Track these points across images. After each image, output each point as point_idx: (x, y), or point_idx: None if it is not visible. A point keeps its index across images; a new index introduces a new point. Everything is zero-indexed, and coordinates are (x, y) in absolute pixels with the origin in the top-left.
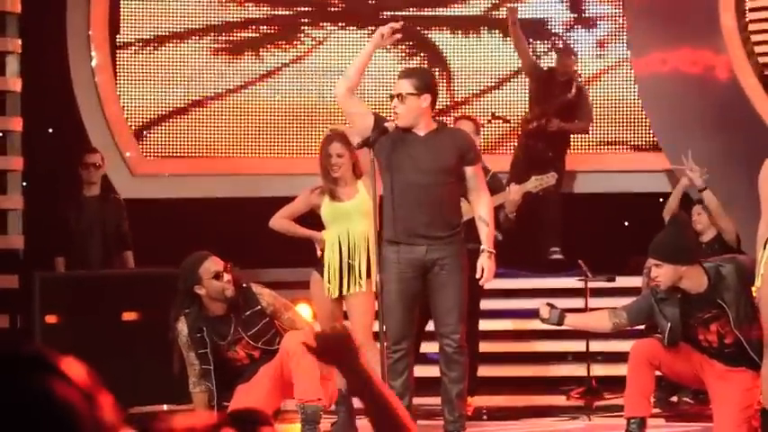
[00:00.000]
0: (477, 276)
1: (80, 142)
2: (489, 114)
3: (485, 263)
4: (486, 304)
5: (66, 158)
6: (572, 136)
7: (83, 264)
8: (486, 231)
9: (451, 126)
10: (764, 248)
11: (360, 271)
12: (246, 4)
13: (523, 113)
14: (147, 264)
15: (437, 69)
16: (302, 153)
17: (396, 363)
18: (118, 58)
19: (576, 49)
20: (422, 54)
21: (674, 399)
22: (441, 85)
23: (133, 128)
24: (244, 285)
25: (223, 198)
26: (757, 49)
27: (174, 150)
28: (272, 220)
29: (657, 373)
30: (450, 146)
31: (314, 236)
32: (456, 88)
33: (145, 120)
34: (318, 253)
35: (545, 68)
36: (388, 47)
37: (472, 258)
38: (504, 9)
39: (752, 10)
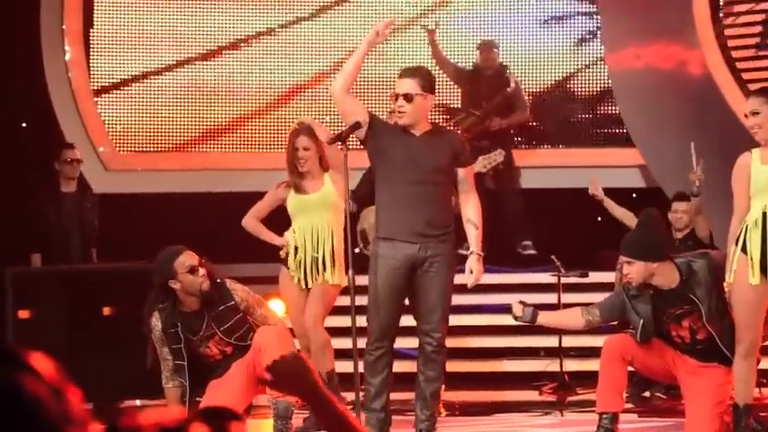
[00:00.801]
0: (466, 278)
1: (53, 137)
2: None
3: (473, 265)
4: (459, 299)
5: (39, 153)
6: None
7: (61, 259)
8: (474, 234)
9: (444, 126)
10: (736, 244)
11: (324, 263)
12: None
13: (460, 118)
14: (120, 258)
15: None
16: (274, 148)
17: (377, 360)
18: (92, 53)
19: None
20: None
21: (647, 394)
22: None
23: (107, 123)
24: (218, 280)
25: (196, 193)
26: (730, 43)
27: (148, 145)
28: (244, 220)
29: (630, 368)
30: (445, 146)
31: (276, 241)
32: None
33: (119, 116)
34: (282, 255)
35: (468, 68)
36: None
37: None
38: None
39: (725, 4)
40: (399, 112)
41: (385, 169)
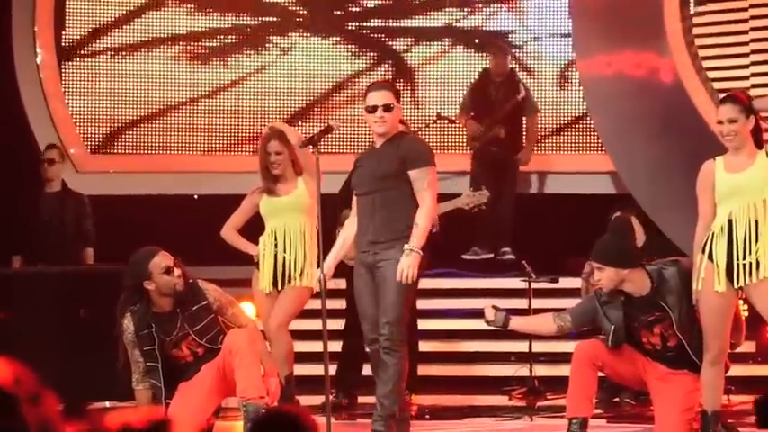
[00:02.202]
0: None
1: (24, 139)
2: (436, 115)
3: (402, 260)
4: (429, 304)
5: (9, 155)
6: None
7: (41, 260)
8: (414, 231)
9: (407, 133)
10: (703, 251)
11: (295, 266)
12: (208, 11)
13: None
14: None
15: (401, 80)
16: (246, 150)
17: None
18: (63, 56)
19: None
20: (386, 63)
21: (617, 399)
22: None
23: (78, 125)
24: (190, 280)
25: (167, 195)
26: (701, 52)
27: (119, 147)
28: (222, 231)
29: (600, 374)
30: (394, 152)
31: (254, 250)
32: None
33: (90, 118)
34: (255, 260)
35: (477, 76)
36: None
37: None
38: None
39: (696, 14)
40: (382, 122)
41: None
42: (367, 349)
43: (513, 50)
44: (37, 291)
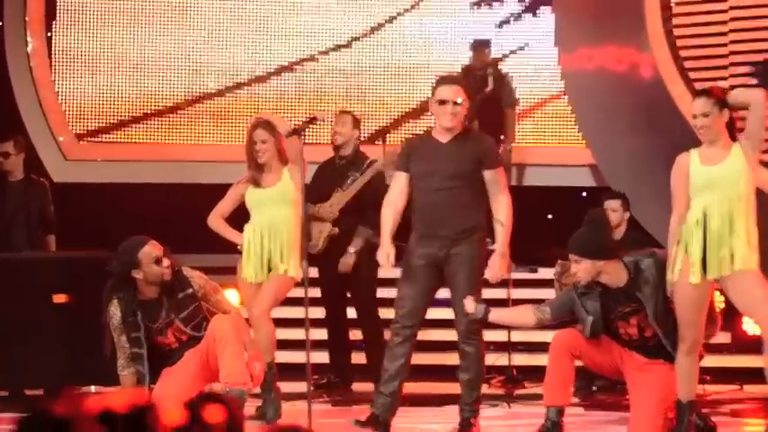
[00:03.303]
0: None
1: (15, 126)
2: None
3: (493, 261)
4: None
5: None
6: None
7: (6, 248)
8: (499, 231)
9: (475, 131)
10: (678, 244)
11: (281, 256)
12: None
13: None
14: (80, 247)
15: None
16: (233, 140)
17: (396, 346)
18: (53, 44)
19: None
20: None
21: (594, 388)
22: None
23: (67, 113)
24: (176, 268)
25: (154, 183)
26: (681, 46)
27: (107, 135)
28: (209, 219)
29: (577, 363)
30: (469, 151)
31: (240, 240)
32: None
33: (79, 105)
34: (240, 249)
35: (459, 71)
36: None
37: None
38: None
39: (677, 11)
40: (452, 116)
41: (413, 177)
42: (396, 339)
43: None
44: (8, 277)
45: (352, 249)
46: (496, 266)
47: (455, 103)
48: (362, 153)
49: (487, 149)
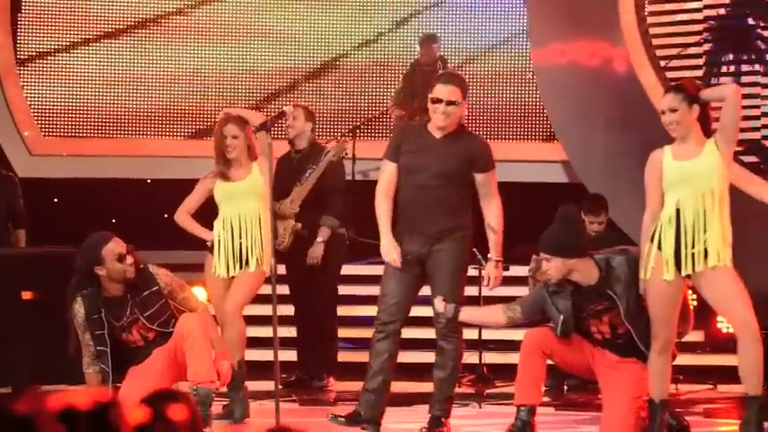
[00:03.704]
0: (485, 284)
1: None
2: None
3: (490, 270)
4: (375, 291)
5: None
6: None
7: None
8: (492, 239)
9: (470, 131)
10: (651, 240)
11: (250, 251)
12: None
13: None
14: (44, 243)
15: None
16: (201, 135)
17: (379, 342)
18: (18, 38)
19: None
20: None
21: (566, 387)
22: None
23: (33, 108)
24: (141, 266)
25: (120, 179)
26: (655, 42)
27: (73, 130)
28: (176, 215)
29: (549, 362)
30: (461, 151)
31: (207, 236)
32: None
33: (45, 101)
34: (209, 245)
35: (409, 67)
36: None
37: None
38: None
39: (650, 2)
40: (445, 116)
41: (400, 169)
42: (379, 335)
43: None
44: None
45: (319, 239)
46: (492, 274)
47: (449, 103)
48: (319, 144)
49: (480, 151)
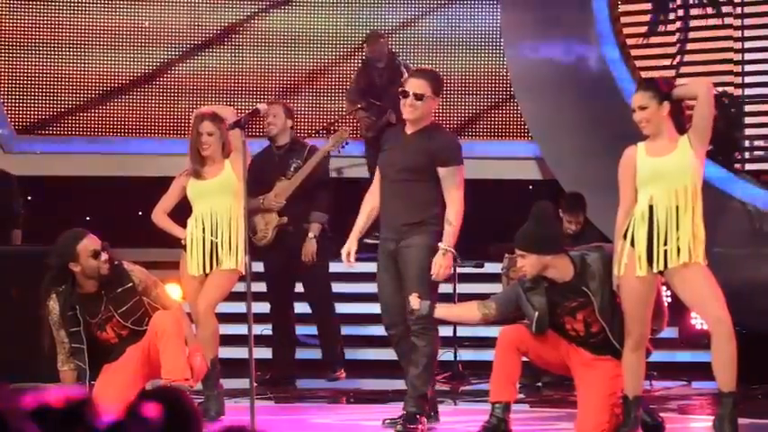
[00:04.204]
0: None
1: None
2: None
3: (437, 259)
4: (357, 288)
5: None
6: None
7: None
8: (446, 230)
9: (440, 126)
10: (624, 237)
11: (226, 248)
12: None
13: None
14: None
15: None
16: (176, 133)
17: (395, 347)
18: None
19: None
20: None
21: (541, 384)
22: None
23: (6, 105)
24: (116, 262)
25: (94, 177)
26: (629, 41)
27: (47, 128)
28: (153, 215)
29: (524, 359)
30: (424, 146)
31: (182, 234)
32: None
33: (19, 98)
34: (183, 243)
35: (359, 65)
36: None
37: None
38: None
39: (623, 2)
40: (412, 109)
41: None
42: (392, 340)
43: None
44: None
45: (311, 235)
46: (436, 264)
47: (416, 96)
48: (300, 140)
49: (443, 146)
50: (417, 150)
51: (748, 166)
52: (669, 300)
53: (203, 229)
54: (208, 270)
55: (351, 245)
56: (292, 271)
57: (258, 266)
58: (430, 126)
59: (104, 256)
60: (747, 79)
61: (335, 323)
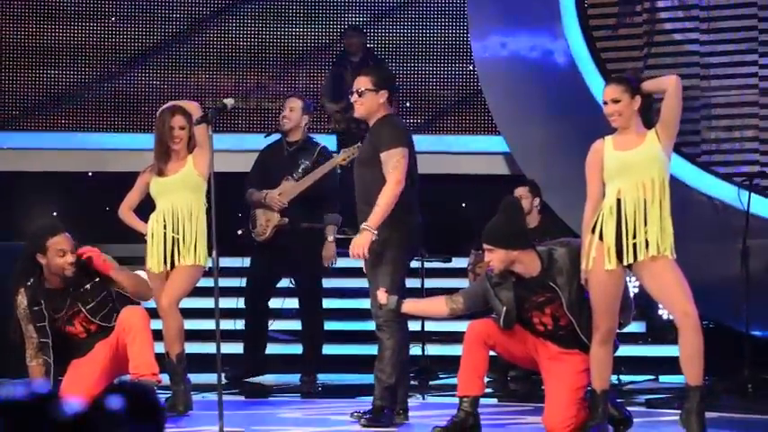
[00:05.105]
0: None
1: None
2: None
3: (355, 237)
4: (329, 283)
5: None
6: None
7: None
8: (373, 211)
9: (389, 117)
10: (593, 232)
11: (186, 245)
12: None
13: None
14: None
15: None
16: (139, 129)
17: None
18: None
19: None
20: None
21: (509, 378)
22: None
23: None
24: (83, 258)
25: (64, 172)
26: (596, 34)
27: (15, 124)
28: (119, 211)
29: (492, 353)
30: (369, 138)
31: (145, 230)
32: None
33: None
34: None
35: (335, 60)
36: None
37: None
38: None
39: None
40: (357, 105)
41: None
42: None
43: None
44: None
45: (330, 238)
46: (354, 242)
47: (358, 93)
48: (312, 140)
49: (380, 131)
50: (368, 142)
51: (714, 159)
52: (636, 290)
53: (164, 225)
54: (166, 267)
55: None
56: (279, 268)
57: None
58: (382, 118)
59: (71, 258)
60: (713, 71)
61: (321, 324)
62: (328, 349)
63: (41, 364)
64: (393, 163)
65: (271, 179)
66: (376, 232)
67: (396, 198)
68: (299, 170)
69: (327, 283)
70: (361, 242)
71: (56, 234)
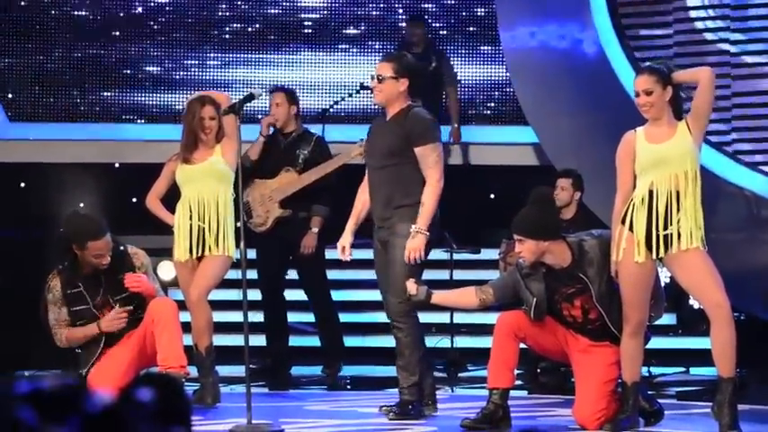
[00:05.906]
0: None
1: None
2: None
3: (408, 241)
4: (353, 275)
5: None
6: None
7: None
8: (420, 211)
9: (416, 108)
10: (623, 223)
11: (214, 234)
12: None
13: None
14: (12, 227)
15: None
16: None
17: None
18: None
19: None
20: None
21: (539, 371)
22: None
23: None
24: (121, 247)
25: (90, 164)
26: (624, 22)
27: (40, 115)
28: (146, 200)
29: (522, 345)
30: (399, 128)
31: (172, 221)
32: None
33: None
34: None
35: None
36: None
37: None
38: None
39: None
40: (377, 92)
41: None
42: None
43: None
44: None
45: (315, 229)
46: (409, 246)
47: (378, 79)
48: (307, 129)
49: (414, 125)
50: (393, 134)
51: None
52: (667, 280)
53: (189, 213)
54: (196, 255)
55: (346, 239)
56: (285, 259)
57: (251, 253)
58: (406, 108)
59: (106, 260)
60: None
61: (334, 313)
62: (348, 341)
63: (74, 327)
64: (433, 159)
65: (269, 169)
66: (428, 233)
67: (439, 196)
68: (299, 161)
69: (342, 275)
70: (417, 245)
71: (98, 239)
